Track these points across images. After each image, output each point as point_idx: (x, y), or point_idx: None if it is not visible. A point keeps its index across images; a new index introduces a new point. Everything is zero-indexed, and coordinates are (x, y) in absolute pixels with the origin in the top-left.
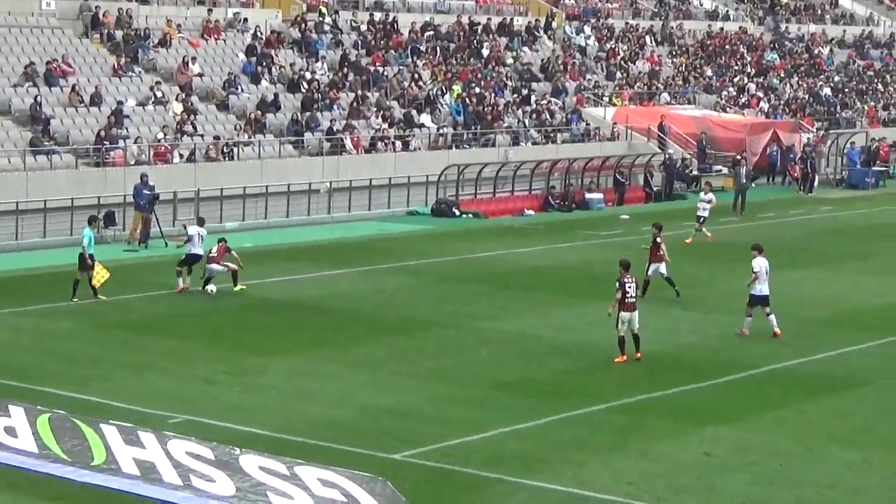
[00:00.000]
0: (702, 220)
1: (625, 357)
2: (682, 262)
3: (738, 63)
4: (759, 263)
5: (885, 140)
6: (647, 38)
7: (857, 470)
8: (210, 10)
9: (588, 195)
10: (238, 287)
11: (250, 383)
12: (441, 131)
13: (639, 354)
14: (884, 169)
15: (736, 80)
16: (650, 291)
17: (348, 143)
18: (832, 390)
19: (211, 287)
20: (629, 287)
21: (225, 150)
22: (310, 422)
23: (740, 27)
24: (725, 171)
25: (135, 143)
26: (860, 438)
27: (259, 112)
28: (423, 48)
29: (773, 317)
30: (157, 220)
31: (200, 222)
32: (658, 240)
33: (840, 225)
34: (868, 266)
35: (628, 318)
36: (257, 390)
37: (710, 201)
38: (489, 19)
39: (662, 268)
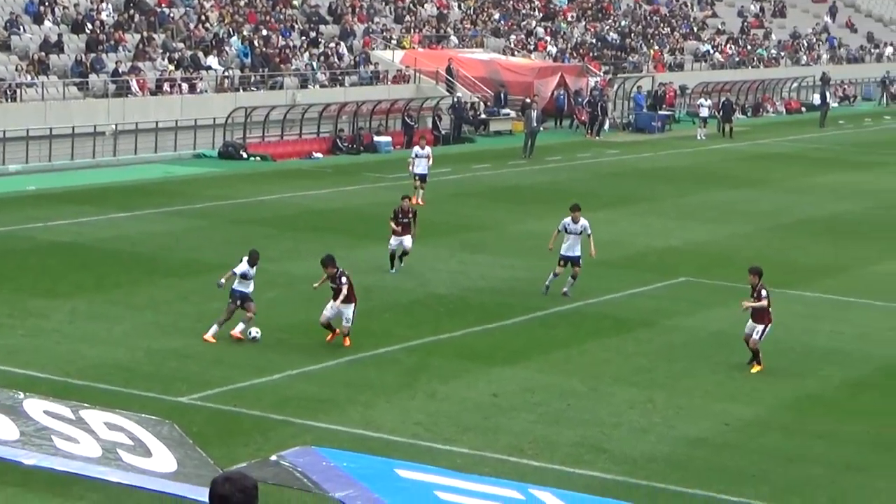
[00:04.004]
0: (424, 177)
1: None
2: (469, 206)
3: (526, 7)
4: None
5: (671, 84)
6: None
7: (640, 409)
8: None
9: (376, 138)
10: None
11: (33, 326)
12: (228, 73)
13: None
14: (670, 113)
15: (524, 23)
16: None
17: (134, 85)
18: (617, 331)
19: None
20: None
21: (7, 91)
22: (95, 365)
23: None
24: (514, 114)
25: None
26: (643, 378)
27: (42, 53)
28: None
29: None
30: None
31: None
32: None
33: (626, 168)
34: (653, 209)
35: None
36: (41, 333)
37: (427, 157)
38: None
39: (408, 241)
